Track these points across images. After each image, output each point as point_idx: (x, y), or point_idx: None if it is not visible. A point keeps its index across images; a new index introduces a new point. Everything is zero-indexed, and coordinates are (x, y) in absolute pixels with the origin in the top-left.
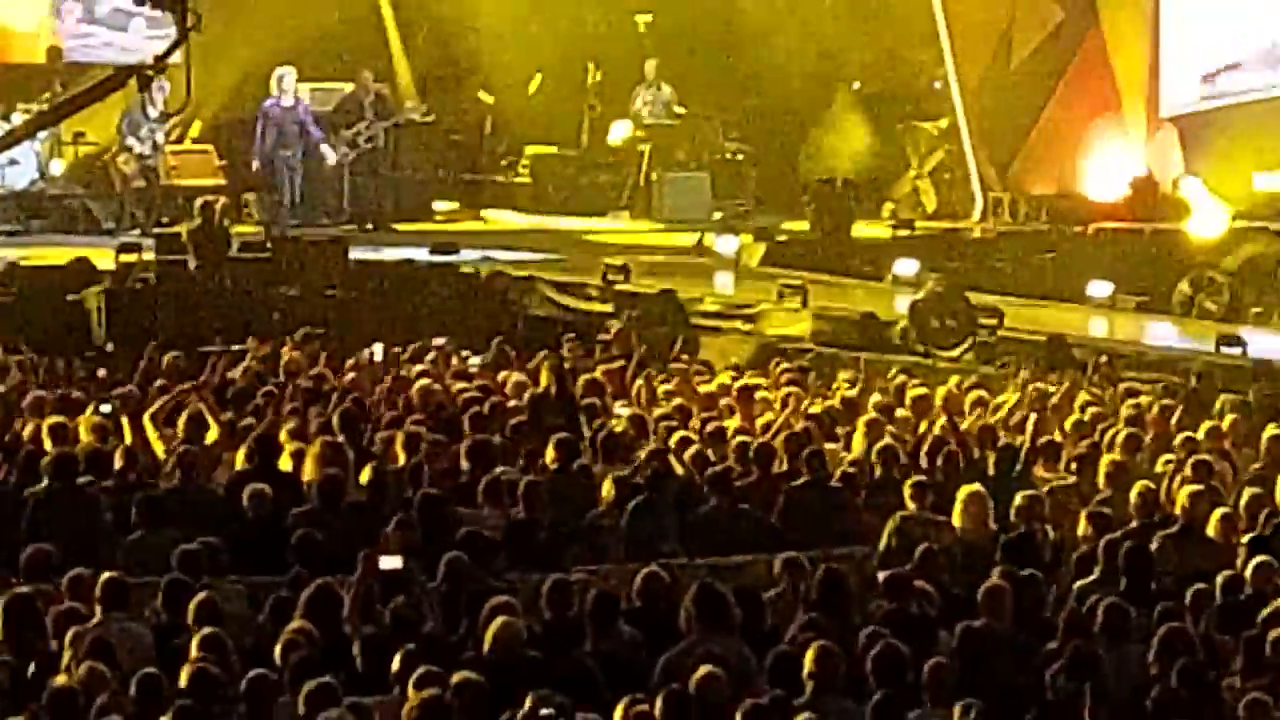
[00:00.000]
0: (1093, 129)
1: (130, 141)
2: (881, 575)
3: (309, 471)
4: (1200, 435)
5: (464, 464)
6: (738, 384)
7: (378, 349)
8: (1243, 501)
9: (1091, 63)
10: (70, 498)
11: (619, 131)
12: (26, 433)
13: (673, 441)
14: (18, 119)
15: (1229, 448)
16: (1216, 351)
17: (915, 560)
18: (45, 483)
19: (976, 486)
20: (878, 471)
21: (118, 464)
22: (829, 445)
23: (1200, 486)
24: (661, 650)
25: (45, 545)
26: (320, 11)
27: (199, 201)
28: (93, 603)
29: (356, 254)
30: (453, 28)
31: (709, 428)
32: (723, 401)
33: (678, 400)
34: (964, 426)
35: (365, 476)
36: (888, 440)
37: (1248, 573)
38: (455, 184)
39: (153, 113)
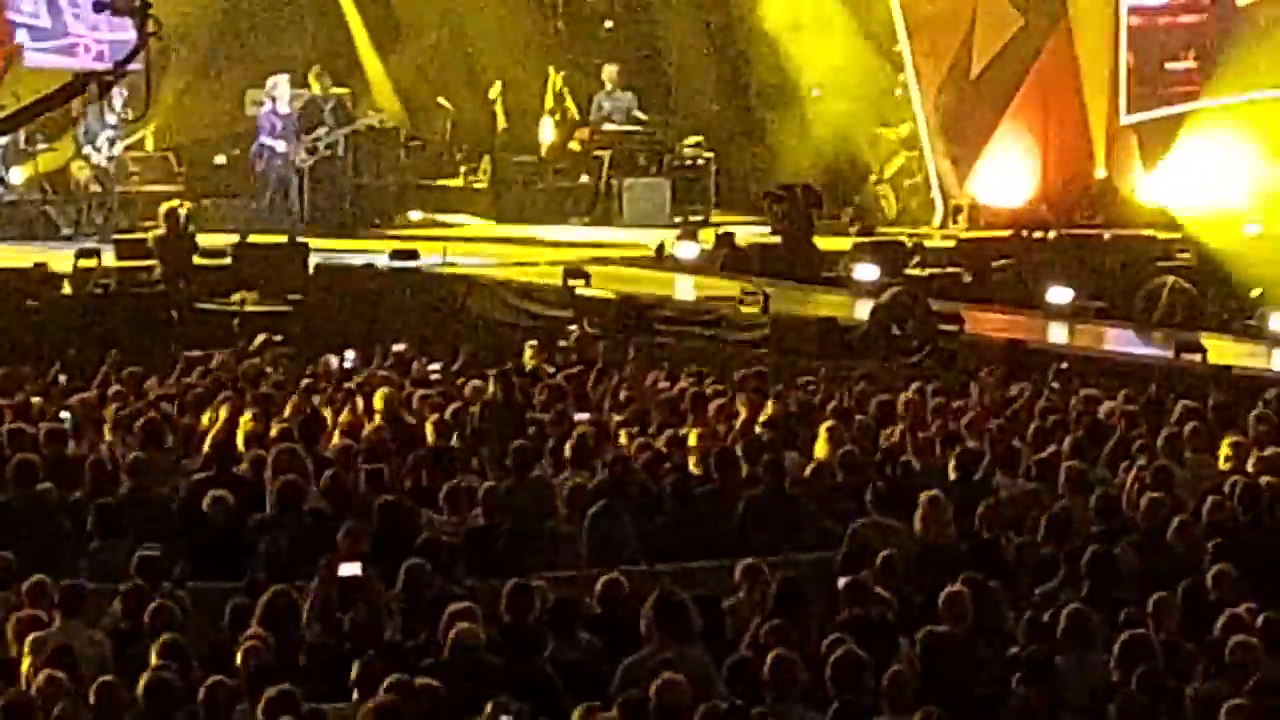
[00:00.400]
0: (1053, 134)
1: (88, 148)
2: (841, 581)
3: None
4: (1160, 442)
5: (423, 470)
6: (697, 389)
7: (349, 355)
8: (1203, 508)
9: (1052, 68)
10: (29, 504)
11: (579, 136)
12: None
13: (632, 447)
14: None
15: (1189, 454)
16: (1176, 358)
17: (875, 567)
18: (4, 489)
19: (935, 492)
20: (838, 477)
21: (76, 470)
22: (789, 452)
23: (1161, 494)
24: (621, 657)
25: (4, 552)
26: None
27: (163, 207)
28: (52, 609)
29: (317, 260)
30: (417, 32)
31: (668, 434)
32: (682, 407)
33: (637, 406)
34: (925, 433)
35: (324, 483)
36: (848, 446)
37: (1208, 579)
38: (415, 190)
39: (111, 119)
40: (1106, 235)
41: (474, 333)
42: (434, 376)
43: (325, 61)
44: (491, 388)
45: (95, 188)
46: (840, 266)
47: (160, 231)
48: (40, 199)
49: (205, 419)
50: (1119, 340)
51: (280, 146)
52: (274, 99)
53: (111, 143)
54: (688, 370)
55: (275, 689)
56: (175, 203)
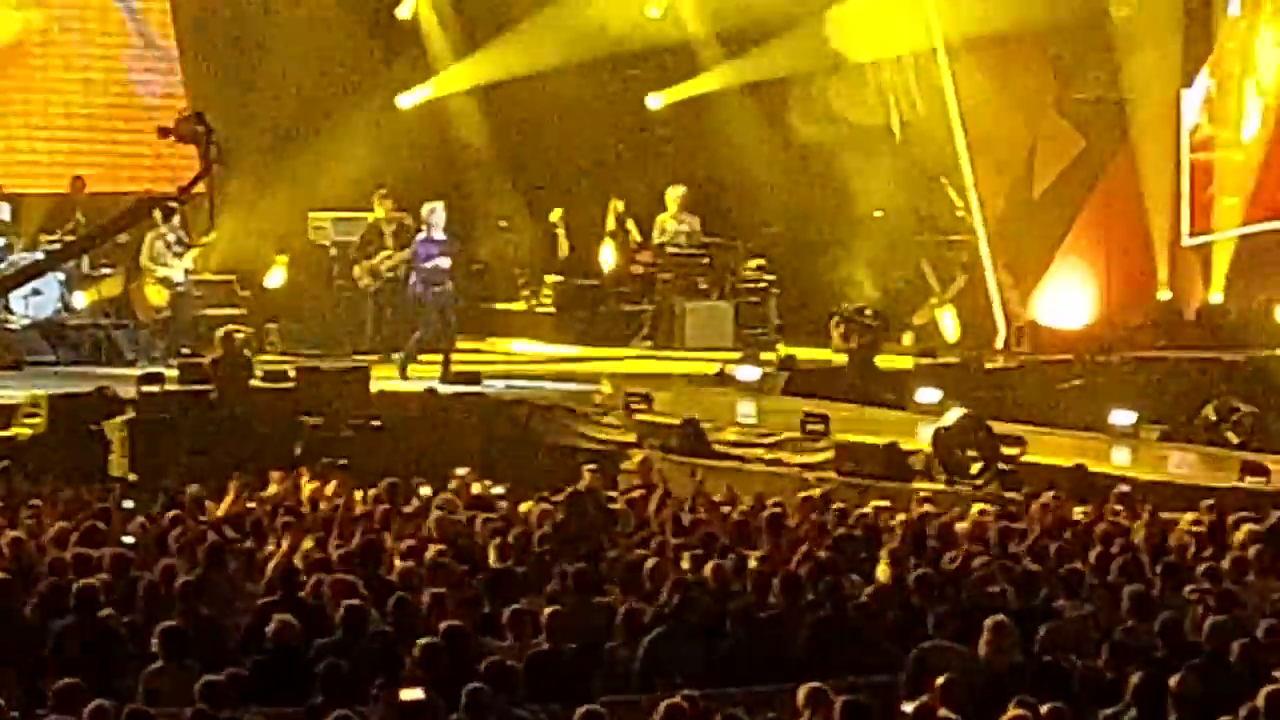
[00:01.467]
0: (1115, 256)
1: (153, 271)
2: (906, 706)
3: (331, 602)
4: (1224, 565)
5: (486, 594)
6: (761, 514)
7: (425, 490)
8: (1267, 632)
9: (1115, 190)
10: (93, 629)
11: (643, 260)
12: (49, 564)
13: (696, 571)
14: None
15: (1253, 578)
16: (1240, 480)
17: (938, 690)
18: (68, 614)
19: (1001, 617)
20: (901, 601)
21: (140, 595)
22: (851, 575)
23: (1224, 617)
24: None
25: (73, 678)
26: (346, 142)
27: (221, 331)
28: None
29: (379, 384)
30: (474, 155)
31: (732, 557)
32: (745, 531)
33: (701, 530)
34: (987, 556)
35: (387, 607)
36: (910, 570)
37: (1271, 703)
38: (478, 313)
39: (175, 242)
40: (1170, 357)
41: (536, 456)
42: (497, 500)
43: (393, 190)
44: (555, 511)
45: (162, 312)
46: (903, 389)
47: (217, 355)
48: (104, 323)
49: (268, 543)
50: (1183, 463)
51: (422, 271)
52: (430, 225)
53: (175, 267)
54: (750, 494)
55: None
56: (232, 326)
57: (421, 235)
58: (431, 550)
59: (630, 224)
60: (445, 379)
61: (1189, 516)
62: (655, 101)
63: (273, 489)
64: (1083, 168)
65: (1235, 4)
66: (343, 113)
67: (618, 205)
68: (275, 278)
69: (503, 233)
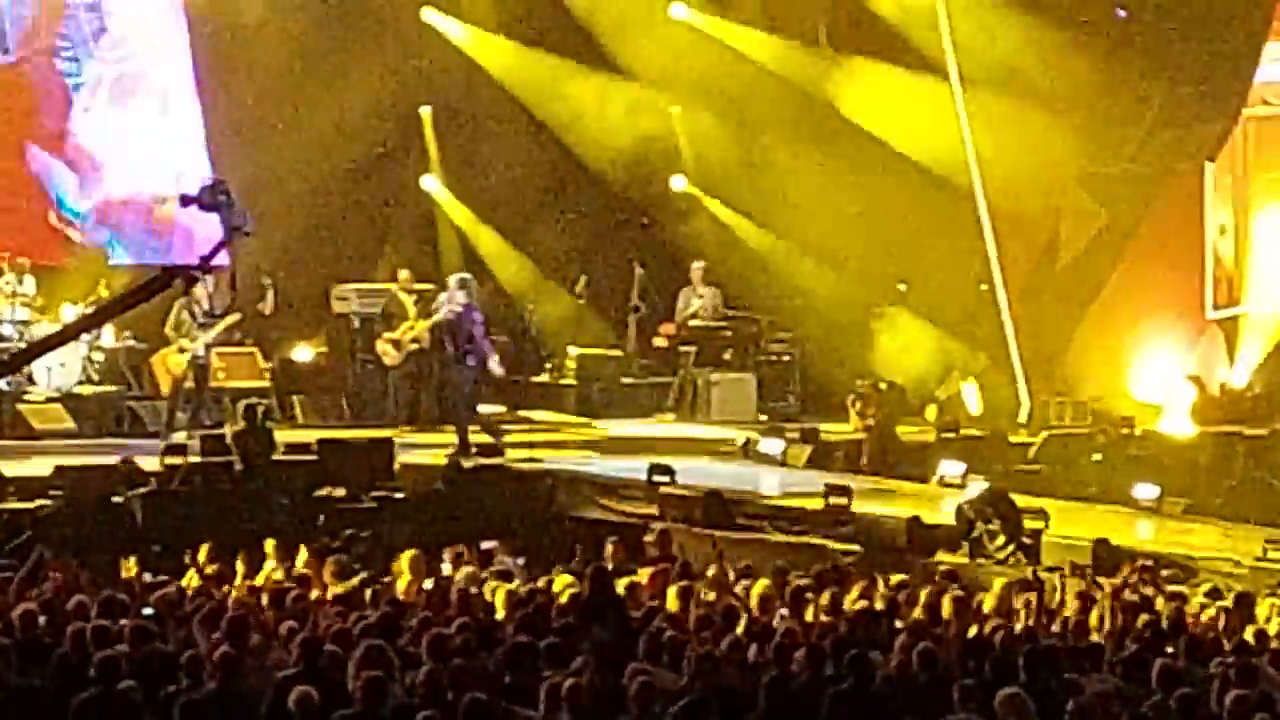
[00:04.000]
0: (1139, 331)
1: (176, 342)
2: None
3: (353, 674)
4: (1247, 639)
5: (508, 667)
6: (784, 586)
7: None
8: None
9: (1138, 265)
10: (114, 702)
11: (665, 333)
12: (70, 636)
13: (718, 644)
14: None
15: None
16: (1263, 555)
17: None
18: (89, 686)
19: (1015, 690)
20: (924, 674)
21: (161, 667)
22: (873, 650)
23: (1246, 691)
24: None
25: None
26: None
27: (242, 404)
28: None
29: (402, 456)
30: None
31: (754, 630)
32: (768, 604)
33: (722, 603)
34: (1010, 629)
35: (410, 679)
36: (931, 644)
37: None
38: (500, 385)
39: (198, 314)
40: (1193, 431)
41: (559, 528)
42: (519, 572)
43: (412, 263)
44: (577, 584)
45: (185, 383)
46: (925, 463)
47: (239, 427)
48: (126, 395)
49: (289, 614)
50: (1206, 537)
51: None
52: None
53: (198, 339)
54: (773, 566)
55: None
56: (254, 399)
57: (461, 305)
58: (453, 622)
59: (653, 295)
60: (465, 452)
61: (1211, 590)
62: (679, 183)
63: (298, 560)
64: (1107, 241)
65: (1263, 72)
66: (366, 189)
67: (641, 276)
68: (303, 353)
69: (525, 305)
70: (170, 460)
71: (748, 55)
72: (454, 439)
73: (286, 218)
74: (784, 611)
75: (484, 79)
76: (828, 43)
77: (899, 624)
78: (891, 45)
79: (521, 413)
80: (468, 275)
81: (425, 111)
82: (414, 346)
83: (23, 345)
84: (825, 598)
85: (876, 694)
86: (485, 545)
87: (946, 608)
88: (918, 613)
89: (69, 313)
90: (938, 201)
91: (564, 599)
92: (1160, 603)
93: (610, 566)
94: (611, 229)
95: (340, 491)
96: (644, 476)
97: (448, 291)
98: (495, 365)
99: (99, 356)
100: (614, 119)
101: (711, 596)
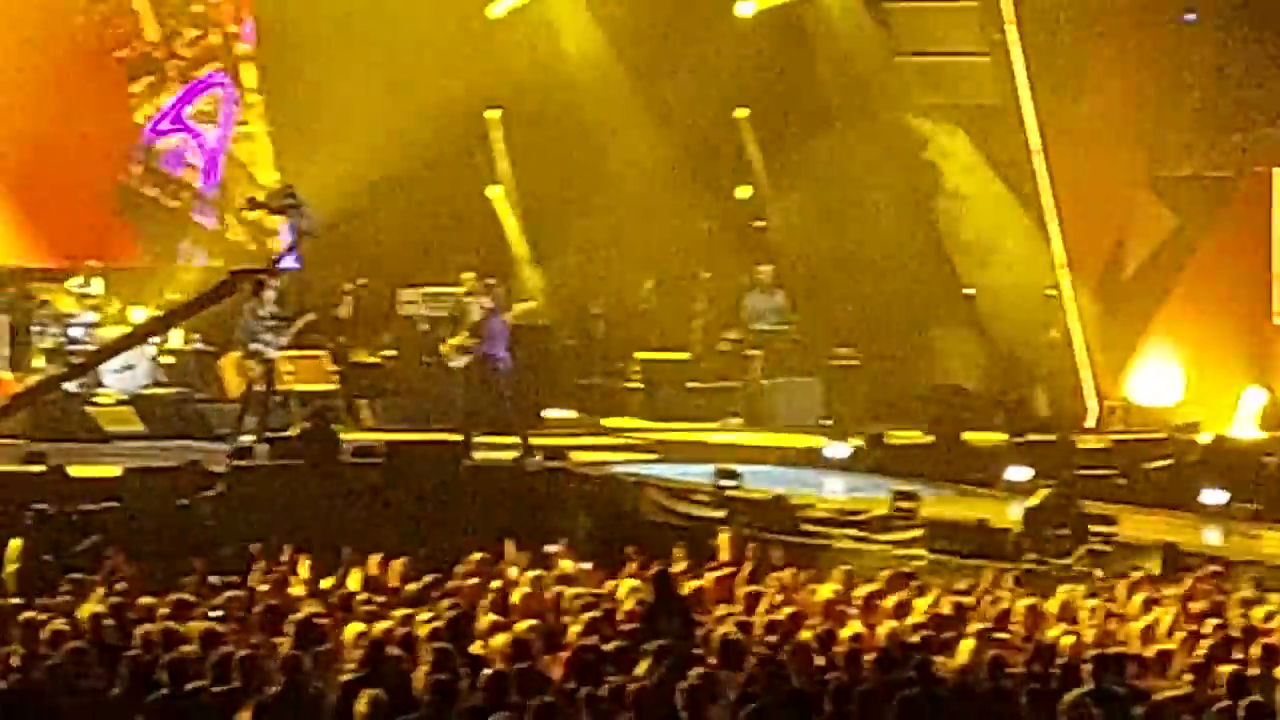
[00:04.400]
0: (1206, 336)
1: (244, 345)
2: None
3: (420, 677)
4: None
5: (573, 670)
6: (851, 592)
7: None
8: None
9: (1205, 269)
10: (182, 703)
11: (730, 337)
12: (138, 638)
13: (785, 648)
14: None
15: None
16: None
17: None
18: (157, 688)
19: (1077, 694)
20: (991, 680)
21: (229, 669)
22: (939, 655)
23: None
24: None
25: None
26: (434, 214)
27: (309, 406)
28: None
29: (469, 458)
30: (567, 232)
31: (820, 635)
32: (835, 609)
33: (789, 608)
34: (1077, 636)
35: (479, 681)
36: (998, 649)
37: None
38: (570, 388)
39: (269, 316)
40: (1262, 436)
41: (625, 532)
42: (585, 576)
43: (480, 266)
44: (643, 588)
45: (254, 385)
46: (992, 468)
47: (305, 429)
48: (194, 398)
49: (357, 616)
50: (1274, 543)
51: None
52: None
53: (269, 341)
54: (838, 571)
55: None
56: (320, 402)
57: (487, 309)
58: (520, 625)
59: (720, 300)
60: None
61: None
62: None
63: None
64: (1175, 246)
65: None
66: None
67: (706, 281)
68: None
69: (592, 310)
70: (238, 463)
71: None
72: (520, 443)
73: (354, 221)
74: (851, 616)
75: (549, 79)
76: None
77: (966, 629)
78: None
79: (588, 416)
80: (492, 279)
81: (493, 114)
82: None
83: (92, 348)
84: (892, 602)
85: (944, 700)
86: (551, 548)
87: (1014, 613)
88: (985, 618)
89: (137, 315)
90: (1004, 207)
91: (630, 603)
92: (1229, 609)
93: (677, 570)
94: (676, 231)
95: (407, 494)
96: (710, 480)
97: (474, 294)
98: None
99: (168, 359)
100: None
101: (778, 600)
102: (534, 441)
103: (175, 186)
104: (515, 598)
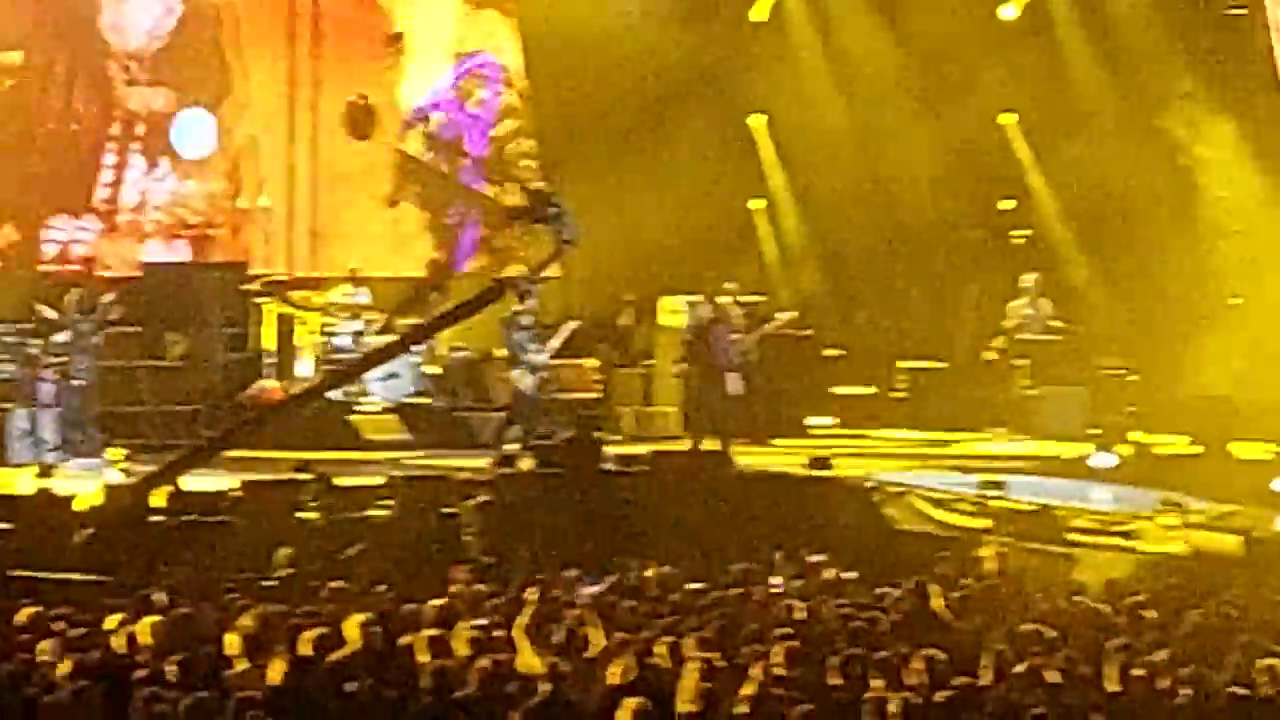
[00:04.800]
0: None
1: (508, 353)
2: None
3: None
4: None
5: (838, 680)
6: (1119, 601)
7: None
8: None
9: None
10: (448, 712)
11: (994, 346)
12: (403, 646)
13: (1048, 659)
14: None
15: None
16: None
17: None
18: (424, 696)
19: None
20: (1266, 691)
21: (496, 677)
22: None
23: None
24: None
25: None
26: (691, 224)
27: (575, 414)
28: None
29: (734, 466)
30: (822, 244)
31: (1086, 646)
32: (1099, 618)
33: (1051, 619)
34: None
35: (744, 690)
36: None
37: None
38: (830, 398)
39: (531, 324)
40: None
41: (889, 542)
42: (848, 586)
43: (739, 276)
44: (908, 597)
45: (517, 393)
46: (1259, 480)
47: (570, 438)
48: (459, 406)
49: (622, 627)
50: None
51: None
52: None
53: (532, 349)
54: (1105, 582)
55: None
56: (586, 409)
57: (706, 319)
58: (781, 636)
59: (984, 308)
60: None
61: None
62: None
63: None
64: None
65: None
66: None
67: (972, 289)
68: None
69: (851, 317)
70: (503, 471)
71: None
72: (790, 450)
73: (617, 231)
74: (1118, 625)
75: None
76: None
77: (1233, 641)
78: None
79: (852, 426)
80: (732, 287)
81: (758, 120)
82: (740, 359)
83: (358, 356)
84: (1159, 614)
85: (1217, 712)
86: (814, 558)
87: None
88: (1255, 630)
89: (402, 323)
90: (1271, 211)
91: (894, 613)
92: None
93: (941, 580)
94: (942, 240)
95: (670, 503)
96: (975, 490)
97: (694, 306)
98: (734, 383)
99: (433, 368)
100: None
101: (1045, 608)
102: (795, 448)
103: (449, 152)
104: (779, 608)
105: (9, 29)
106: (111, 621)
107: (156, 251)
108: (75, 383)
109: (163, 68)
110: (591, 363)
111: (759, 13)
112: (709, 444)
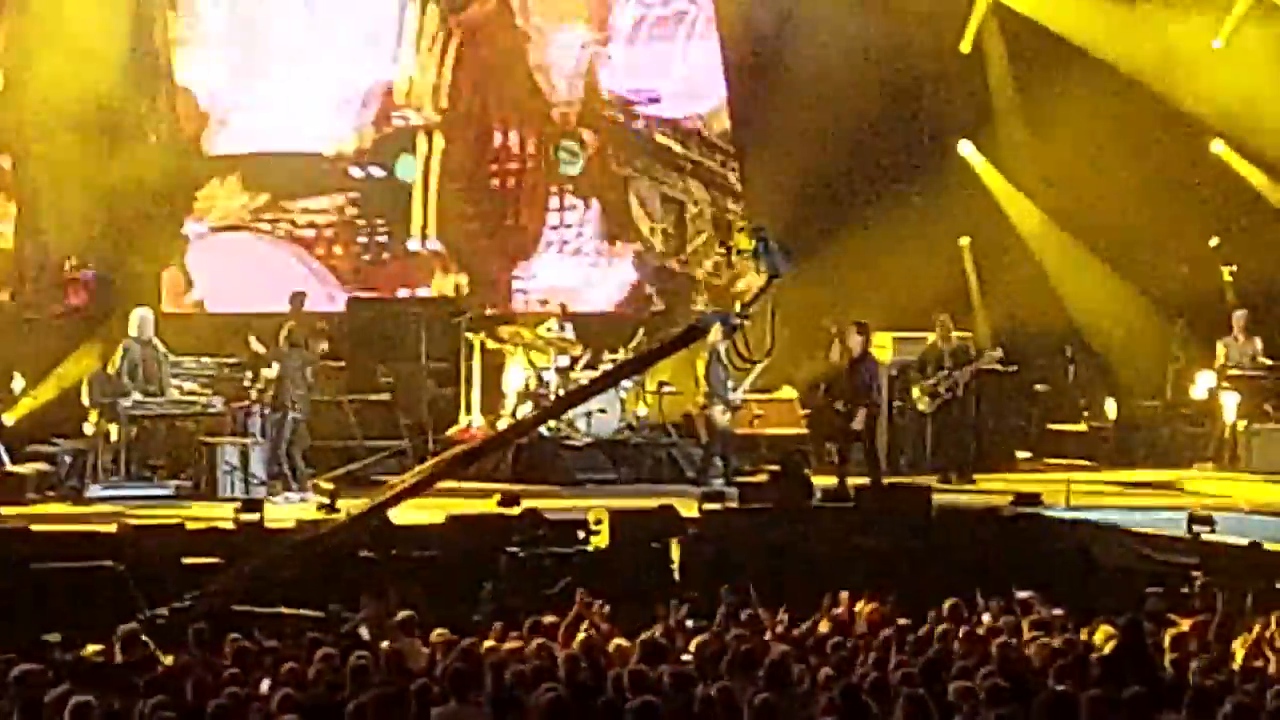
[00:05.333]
0: None
1: (715, 389)
2: None
3: None
4: None
5: (1046, 717)
6: None
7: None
8: None
9: None
10: None
11: (1203, 383)
12: (610, 681)
13: (1260, 699)
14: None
15: None
16: None
17: None
18: None
19: None
20: None
21: (698, 711)
22: None
23: None
24: None
25: None
26: (903, 267)
27: (781, 451)
28: None
29: (939, 503)
30: (1028, 284)
31: None
32: None
33: (1265, 657)
34: None
35: None
36: None
37: None
38: (1038, 433)
39: (735, 361)
40: None
41: (1097, 579)
42: (1057, 622)
43: (946, 310)
44: (1116, 635)
45: (724, 430)
46: None
47: (777, 474)
48: (664, 441)
49: (828, 663)
50: None
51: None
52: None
53: (738, 384)
54: None
55: None
56: (794, 445)
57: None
58: (985, 672)
59: (1191, 346)
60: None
61: None
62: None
63: (838, 606)
64: None
65: None
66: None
67: (1178, 326)
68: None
69: (1059, 353)
70: (709, 506)
71: None
72: (992, 487)
73: (825, 266)
74: None
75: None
76: None
77: None
78: None
79: (1059, 461)
80: (864, 322)
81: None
82: (949, 396)
83: (564, 392)
84: None
85: None
86: (1022, 594)
87: None
88: None
89: (608, 359)
90: None
91: (1106, 650)
92: None
93: (1151, 618)
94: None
95: (872, 541)
96: (1184, 526)
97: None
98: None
99: (638, 404)
100: None
101: (1253, 649)
102: (1002, 483)
103: None
104: (990, 645)
105: None
106: (318, 655)
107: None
108: (285, 416)
109: None
110: (790, 394)
111: (966, 44)
112: (916, 478)
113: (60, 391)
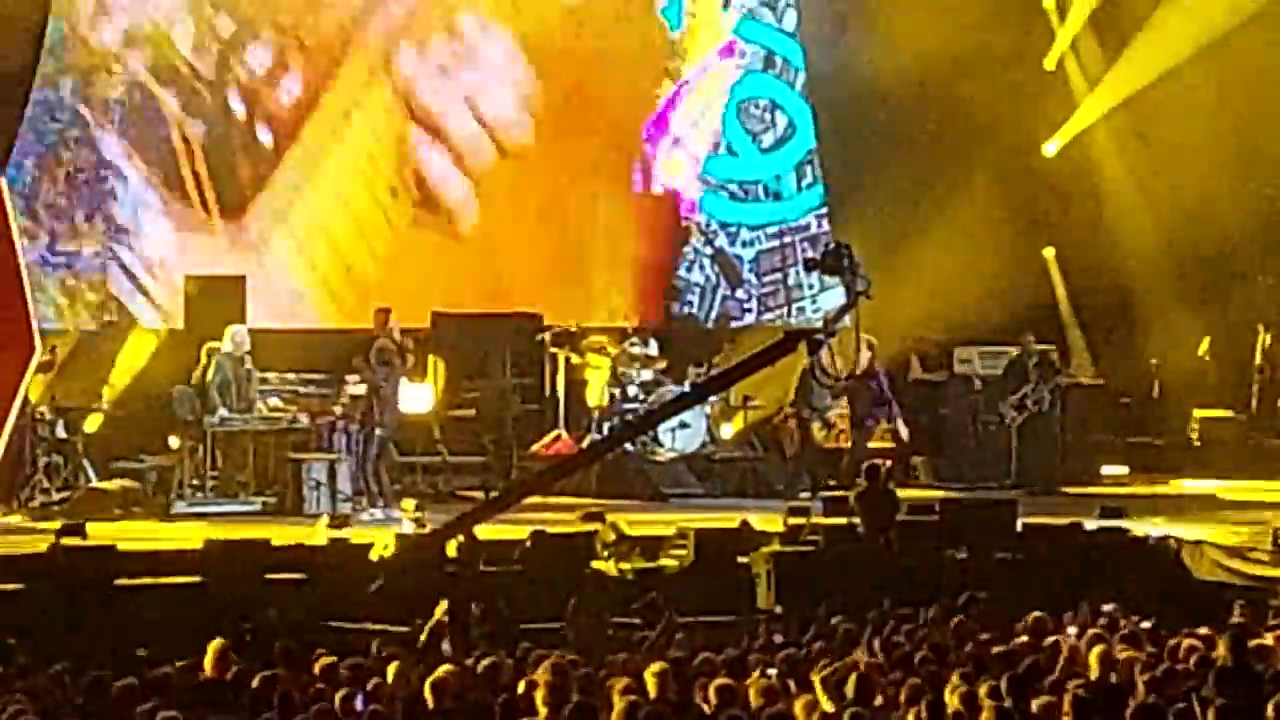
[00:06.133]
0: None
1: (810, 403)
2: None
3: None
4: None
5: None
6: None
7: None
8: None
9: None
10: None
11: (1254, 390)
12: (698, 695)
13: None
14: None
15: None
16: None
17: None
18: None
19: None
20: None
21: None
22: None
23: None
24: None
25: None
26: (988, 277)
27: (866, 464)
28: None
29: (1024, 517)
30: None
31: None
32: None
33: None
34: None
35: None
36: None
37: None
38: (1123, 447)
39: (822, 377)
40: None
41: (1182, 591)
42: (1144, 635)
43: (1035, 326)
44: (1202, 648)
45: (811, 445)
46: None
47: (862, 488)
48: (750, 457)
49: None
50: None
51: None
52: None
53: (825, 399)
54: None
55: None
56: (879, 459)
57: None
58: (1074, 686)
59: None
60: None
61: None
62: None
63: (920, 621)
64: None
65: None
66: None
67: (1265, 338)
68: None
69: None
70: (794, 521)
71: None
72: (1083, 498)
73: (909, 282)
74: None
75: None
76: None
77: None
78: None
79: (1143, 474)
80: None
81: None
82: (1035, 409)
83: (649, 407)
84: None
85: None
86: (1107, 608)
87: None
88: None
89: (692, 374)
90: None
91: (1190, 663)
92: None
93: (1237, 630)
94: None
95: (961, 554)
96: (1270, 539)
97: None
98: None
99: (724, 420)
100: None
101: None
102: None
103: None
104: (1080, 658)
105: None
106: (404, 671)
107: None
108: (372, 432)
109: None
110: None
111: (1050, 61)
112: (1001, 492)
113: (145, 402)
